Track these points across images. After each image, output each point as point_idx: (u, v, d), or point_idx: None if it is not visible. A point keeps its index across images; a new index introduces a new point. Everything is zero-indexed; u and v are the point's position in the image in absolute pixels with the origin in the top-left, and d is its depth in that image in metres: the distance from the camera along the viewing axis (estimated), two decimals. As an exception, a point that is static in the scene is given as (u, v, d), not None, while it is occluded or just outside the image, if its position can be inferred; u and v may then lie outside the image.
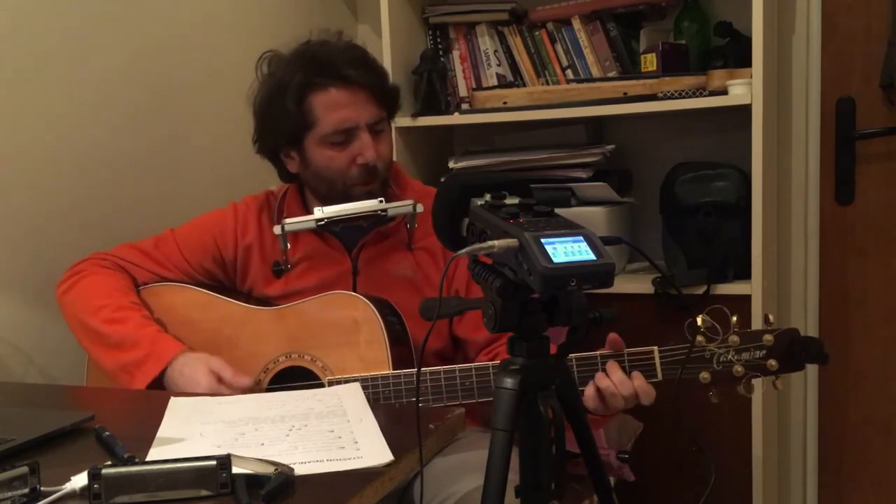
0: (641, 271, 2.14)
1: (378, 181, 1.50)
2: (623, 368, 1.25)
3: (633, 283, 1.97)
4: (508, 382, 0.88)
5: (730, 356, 1.22)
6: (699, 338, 1.23)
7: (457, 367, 1.32)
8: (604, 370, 1.26)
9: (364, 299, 1.40)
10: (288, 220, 1.45)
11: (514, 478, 0.89)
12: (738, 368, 1.22)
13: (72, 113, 1.63)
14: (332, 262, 1.52)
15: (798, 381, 2.25)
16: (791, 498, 2.30)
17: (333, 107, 1.45)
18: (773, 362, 1.22)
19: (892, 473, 2.19)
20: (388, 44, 2.13)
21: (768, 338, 1.22)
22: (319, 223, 1.43)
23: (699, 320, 1.22)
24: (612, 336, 1.28)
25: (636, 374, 1.24)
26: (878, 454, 2.20)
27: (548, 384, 0.89)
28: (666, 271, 1.98)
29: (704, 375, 1.23)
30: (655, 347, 1.26)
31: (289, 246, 1.48)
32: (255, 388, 1.41)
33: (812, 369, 2.23)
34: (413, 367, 1.36)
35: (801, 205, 2.21)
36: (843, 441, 2.23)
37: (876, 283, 2.17)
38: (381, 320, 1.38)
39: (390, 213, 1.44)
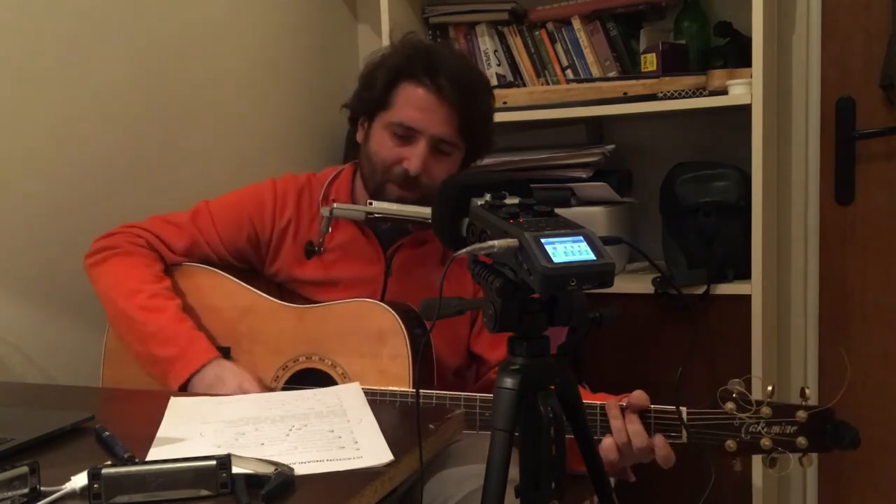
0: (641, 271, 2.14)
1: (416, 193, 1.46)
2: (647, 426, 1.21)
3: (633, 283, 1.97)
4: (508, 382, 0.88)
5: (759, 428, 1.17)
6: (730, 405, 1.18)
7: (477, 395, 1.28)
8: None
9: (392, 312, 1.37)
10: (339, 205, 1.44)
11: (514, 478, 0.89)
12: (766, 442, 1.16)
13: (73, 114, 1.63)
14: (367, 257, 1.52)
15: (798, 381, 2.25)
16: (791, 498, 2.30)
17: (412, 103, 1.44)
18: (802, 440, 1.15)
19: (892, 474, 2.19)
20: (388, 44, 2.12)
21: (802, 414, 1.15)
22: (369, 215, 1.43)
23: (732, 387, 1.17)
24: (639, 392, 1.23)
25: (659, 438, 1.21)
26: (878, 454, 2.20)
27: (548, 384, 0.89)
28: (666, 271, 1.98)
29: (730, 444, 1.18)
30: (684, 408, 1.21)
31: (329, 230, 1.47)
32: (271, 386, 1.41)
33: (812, 369, 2.24)
34: (434, 387, 1.34)
35: (801, 205, 2.21)
36: (843, 441, 2.23)
37: (876, 283, 2.17)
38: (406, 335, 1.35)
39: None
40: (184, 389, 1.34)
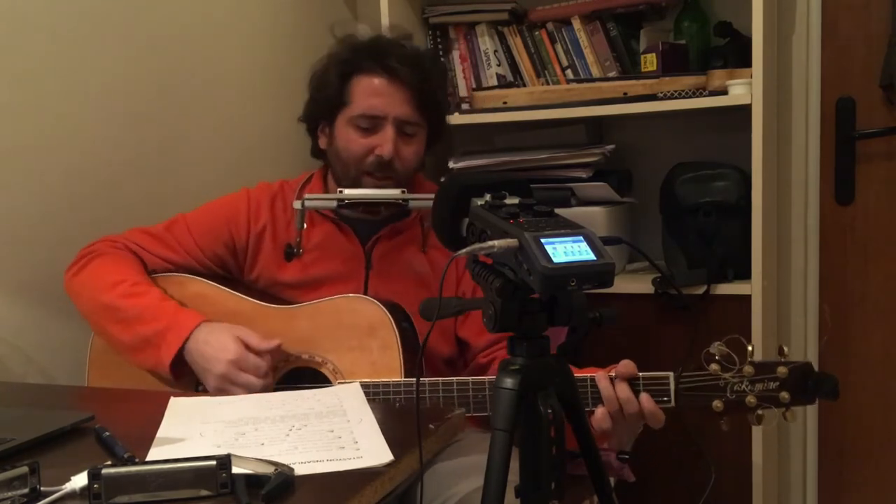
0: (641, 271, 2.14)
1: (391, 181, 1.50)
2: (635, 391, 1.24)
3: (633, 283, 1.97)
4: (508, 382, 0.88)
5: (743, 386, 1.22)
6: (714, 366, 1.22)
7: (470, 379, 1.30)
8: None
9: (379, 304, 1.39)
10: (309, 196, 1.46)
11: (514, 478, 0.89)
12: (751, 399, 1.21)
13: (72, 113, 1.63)
14: (346, 252, 1.53)
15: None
16: (791, 498, 2.30)
17: (369, 92, 1.48)
18: (785, 395, 1.21)
19: (892, 474, 2.19)
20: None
21: (782, 370, 1.21)
22: (340, 203, 1.44)
23: (715, 349, 1.21)
24: (626, 361, 1.27)
25: (645, 397, 1.24)
26: (878, 454, 2.20)
27: (548, 384, 0.89)
28: (666, 271, 1.98)
29: (717, 404, 1.22)
30: (671, 373, 1.25)
31: (304, 226, 1.48)
32: (264, 385, 1.41)
33: (812, 369, 2.23)
34: (425, 375, 1.35)
35: (801, 205, 2.21)
36: (843, 441, 2.23)
37: (876, 283, 2.17)
38: (395, 326, 1.37)
39: (411, 205, 1.46)
40: (178, 358, 1.34)
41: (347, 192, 1.45)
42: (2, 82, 1.50)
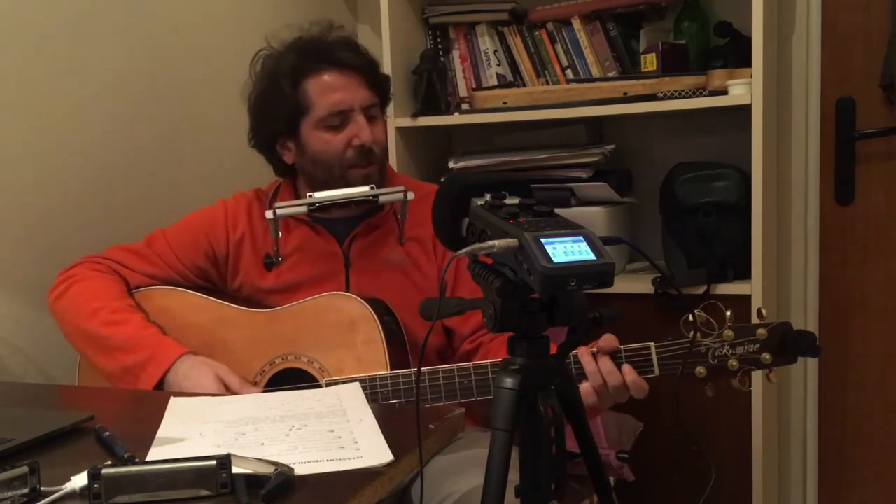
0: (641, 271, 2.14)
1: (374, 166, 1.52)
2: (618, 364, 1.26)
3: (633, 283, 1.97)
4: (508, 382, 0.88)
5: (725, 350, 1.24)
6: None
7: (455, 366, 1.32)
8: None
9: (359, 299, 1.40)
10: (279, 204, 1.46)
11: (514, 478, 0.89)
12: (733, 363, 1.23)
13: (71, 112, 1.64)
14: (324, 253, 1.53)
15: (798, 380, 2.25)
16: (791, 497, 2.30)
17: (328, 90, 1.48)
18: (766, 356, 1.23)
19: (892, 473, 2.19)
20: (388, 44, 2.13)
21: (762, 332, 1.23)
22: (311, 207, 1.44)
23: (694, 316, 1.23)
24: (607, 336, 1.28)
25: (627, 368, 1.25)
26: (878, 454, 2.20)
27: (548, 384, 0.89)
28: (666, 271, 1.98)
29: (700, 370, 1.24)
30: (652, 343, 1.27)
31: (280, 234, 1.49)
32: (252, 379, 1.41)
33: (812, 369, 2.24)
34: (410, 367, 1.36)
35: (801, 205, 2.21)
36: (843, 441, 2.23)
37: (876, 283, 2.17)
38: (377, 320, 1.38)
39: (381, 199, 1.45)
40: (158, 388, 1.34)
41: (318, 195, 1.45)
42: (1, 82, 1.50)
